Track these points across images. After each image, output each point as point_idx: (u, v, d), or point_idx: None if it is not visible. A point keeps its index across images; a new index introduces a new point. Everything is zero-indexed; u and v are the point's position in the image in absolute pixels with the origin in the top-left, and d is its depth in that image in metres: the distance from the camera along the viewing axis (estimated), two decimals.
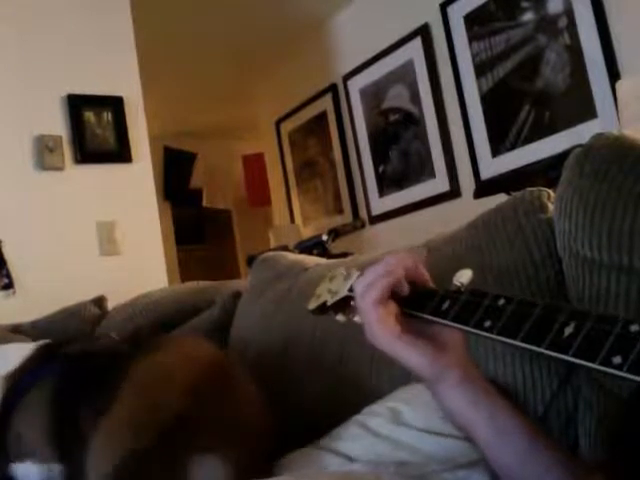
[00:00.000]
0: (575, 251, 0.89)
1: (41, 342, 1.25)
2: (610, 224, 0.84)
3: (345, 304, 0.84)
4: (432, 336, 0.73)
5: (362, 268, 0.79)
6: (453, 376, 0.71)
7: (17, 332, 1.87)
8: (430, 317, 0.71)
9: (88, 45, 2.70)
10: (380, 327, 0.72)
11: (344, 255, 2.76)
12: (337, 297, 0.84)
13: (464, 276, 0.71)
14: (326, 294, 0.86)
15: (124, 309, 1.90)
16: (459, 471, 0.72)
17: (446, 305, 0.69)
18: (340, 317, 0.85)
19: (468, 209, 1.24)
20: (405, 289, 0.72)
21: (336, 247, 3.04)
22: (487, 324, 0.63)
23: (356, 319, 0.78)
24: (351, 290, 0.82)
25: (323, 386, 1.21)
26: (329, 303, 0.85)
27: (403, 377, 0.98)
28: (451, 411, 0.72)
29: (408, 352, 0.72)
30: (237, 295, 1.63)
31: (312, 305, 0.88)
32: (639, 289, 0.81)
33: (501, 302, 0.64)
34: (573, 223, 0.89)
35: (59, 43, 2.65)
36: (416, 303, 0.72)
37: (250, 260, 2.69)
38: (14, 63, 2.55)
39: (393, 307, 0.73)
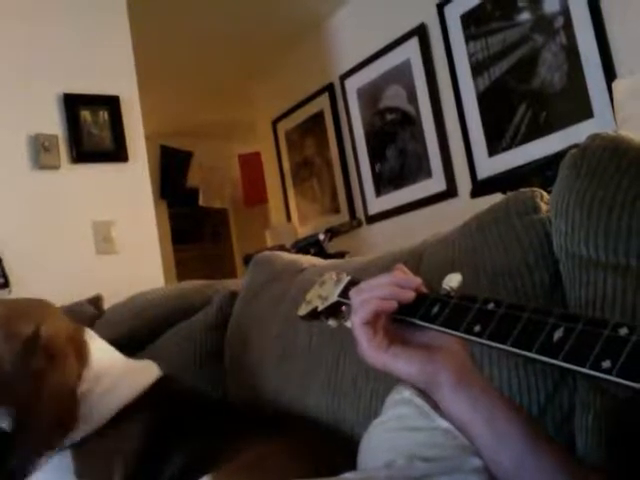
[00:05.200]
0: (571, 251, 0.89)
1: (158, 376, 1.26)
2: (607, 224, 0.84)
3: (336, 309, 0.84)
4: (426, 340, 0.73)
5: (354, 271, 0.79)
6: (446, 379, 0.71)
7: None
8: (420, 322, 0.71)
9: (84, 44, 2.70)
10: (367, 345, 0.72)
11: (341, 255, 2.76)
12: (328, 303, 0.84)
13: (453, 280, 0.71)
14: (317, 300, 0.86)
15: (120, 308, 1.90)
16: (456, 474, 0.71)
17: (435, 310, 0.69)
18: (332, 322, 0.85)
19: (465, 209, 1.24)
20: (392, 307, 0.72)
21: (333, 246, 3.04)
22: (477, 329, 0.63)
23: (347, 324, 0.78)
24: (342, 295, 0.82)
25: (321, 387, 1.21)
26: (320, 309, 0.85)
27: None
28: (449, 414, 0.72)
29: (396, 364, 0.72)
30: (234, 295, 1.63)
31: (302, 311, 0.88)
32: (635, 289, 0.81)
33: (491, 306, 0.64)
34: (570, 223, 0.89)
35: (55, 42, 2.64)
36: (407, 308, 0.72)
37: (247, 259, 2.69)
38: (10, 62, 2.54)
39: (381, 322, 0.73)
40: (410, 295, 0.72)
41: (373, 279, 0.75)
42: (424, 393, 0.77)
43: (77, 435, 1.11)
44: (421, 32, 3.49)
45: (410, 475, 0.73)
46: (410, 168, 3.65)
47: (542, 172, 2.03)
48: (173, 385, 1.27)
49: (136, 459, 1.09)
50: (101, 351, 1.25)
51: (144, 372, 1.25)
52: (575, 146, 0.94)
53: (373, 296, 0.73)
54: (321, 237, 2.92)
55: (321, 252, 2.84)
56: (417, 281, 0.74)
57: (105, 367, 1.21)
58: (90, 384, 1.16)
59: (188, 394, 1.30)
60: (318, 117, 4.25)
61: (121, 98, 2.73)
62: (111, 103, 2.71)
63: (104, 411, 1.14)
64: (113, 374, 1.20)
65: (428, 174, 3.54)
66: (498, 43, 3.11)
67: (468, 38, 3.24)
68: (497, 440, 0.69)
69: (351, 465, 0.90)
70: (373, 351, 0.72)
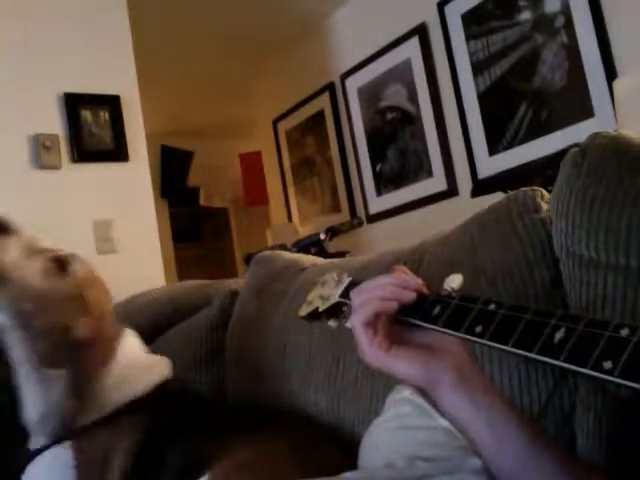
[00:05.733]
0: (572, 251, 0.89)
1: (167, 377, 1.26)
2: (607, 224, 0.84)
3: (337, 310, 0.84)
4: (427, 341, 0.73)
5: (354, 271, 0.79)
6: (446, 380, 0.71)
7: None
8: (421, 323, 0.71)
9: (85, 44, 2.70)
10: (367, 345, 0.72)
11: (341, 254, 2.76)
12: (329, 303, 0.84)
13: (455, 281, 0.71)
14: (318, 300, 0.86)
15: (121, 308, 1.89)
16: (457, 474, 0.71)
17: (437, 310, 0.69)
18: (332, 323, 0.85)
19: (465, 208, 1.24)
20: (393, 307, 0.72)
21: (333, 246, 3.04)
22: (478, 329, 0.63)
23: (348, 325, 0.78)
24: (343, 296, 0.82)
25: (321, 387, 1.21)
26: (321, 309, 0.85)
27: None
28: (449, 414, 0.72)
29: (396, 365, 0.72)
30: (234, 294, 1.63)
31: (303, 312, 0.88)
32: (636, 290, 0.80)
33: (492, 307, 0.64)
34: (570, 223, 0.89)
35: (56, 42, 2.64)
36: (408, 309, 0.72)
37: (248, 259, 2.69)
38: (11, 62, 2.54)
39: (382, 322, 0.73)
40: (411, 296, 0.72)
41: (373, 279, 0.75)
42: (423, 393, 0.77)
43: (87, 419, 1.12)
44: (422, 31, 3.49)
45: (410, 475, 0.73)
46: (411, 167, 3.65)
47: (543, 171, 2.02)
48: (176, 385, 1.28)
49: (134, 457, 1.09)
50: (129, 347, 1.26)
51: (154, 370, 1.26)
52: (576, 145, 0.94)
53: (373, 297, 0.73)
54: (322, 236, 2.92)
55: (322, 251, 2.83)
56: (418, 282, 0.74)
57: (127, 362, 1.22)
58: (112, 374, 1.18)
59: (189, 393, 1.30)
60: (319, 116, 4.25)
61: (122, 97, 2.73)
62: (112, 102, 2.71)
63: (112, 400, 1.15)
64: (132, 368, 1.21)
65: (429, 173, 3.54)
66: (499, 42, 3.11)
67: (469, 37, 3.24)
68: (497, 440, 0.69)
69: (351, 464, 0.90)
70: (373, 352, 0.72)
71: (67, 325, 1.13)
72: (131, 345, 1.26)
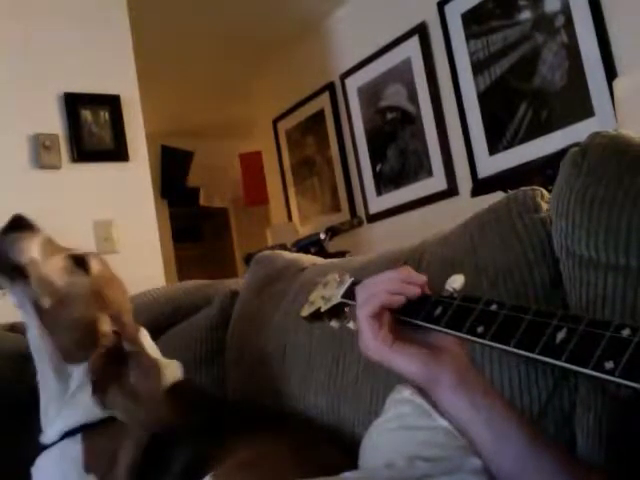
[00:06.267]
0: (572, 251, 0.89)
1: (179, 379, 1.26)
2: (607, 224, 0.84)
3: (339, 310, 0.84)
4: (429, 341, 0.73)
5: (354, 271, 0.79)
6: (447, 380, 0.71)
7: (14, 331, 1.87)
8: (423, 323, 0.71)
9: (85, 43, 2.69)
10: (372, 338, 0.73)
11: (341, 254, 2.76)
12: (330, 304, 0.84)
13: (457, 281, 0.71)
14: (320, 301, 0.87)
15: None
16: (457, 474, 0.72)
17: (439, 311, 0.70)
18: (334, 323, 0.86)
19: (465, 208, 1.24)
20: (400, 301, 0.73)
21: (333, 245, 3.04)
22: (480, 330, 0.64)
23: (350, 325, 0.79)
24: (345, 297, 0.82)
25: (322, 387, 1.21)
26: (323, 310, 0.85)
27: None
28: (449, 414, 0.72)
29: (398, 360, 0.72)
30: (234, 294, 1.63)
31: (305, 312, 0.89)
32: (636, 290, 0.80)
33: (493, 307, 0.64)
34: (570, 222, 0.89)
35: (56, 41, 2.64)
36: (410, 309, 0.73)
37: (248, 258, 2.69)
38: (11, 61, 2.54)
39: (387, 317, 0.73)
40: (416, 290, 0.73)
41: (380, 274, 0.76)
42: (423, 392, 0.77)
43: (104, 414, 1.12)
44: (422, 30, 3.49)
45: (410, 475, 0.73)
46: (411, 167, 3.65)
47: (543, 171, 2.02)
48: (189, 387, 1.28)
49: (140, 456, 1.10)
50: (147, 346, 1.27)
51: (167, 370, 1.26)
52: (576, 145, 0.94)
53: (381, 289, 0.73)
54: (322, 236, 2.92)
55: (322, 251, 2.83)
56: (423, 279, 0.75)
57: None
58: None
59: (197, 395, 1.31)
60: (319, 116, 4.25)
61: (122, 97, 2.73)
62: (112, 102, 2.70)
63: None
64: None
65: (429, 173, 3.54)
66: (499, 42, 3.11)
67: (469, 37, 3.24)
68: (497, 441, 0.69)
69: (352, 465, 0.90)
70: (377, 345, 0.73)
71: (88, 321, 1.14)
72: (148, 344, 1.27)
